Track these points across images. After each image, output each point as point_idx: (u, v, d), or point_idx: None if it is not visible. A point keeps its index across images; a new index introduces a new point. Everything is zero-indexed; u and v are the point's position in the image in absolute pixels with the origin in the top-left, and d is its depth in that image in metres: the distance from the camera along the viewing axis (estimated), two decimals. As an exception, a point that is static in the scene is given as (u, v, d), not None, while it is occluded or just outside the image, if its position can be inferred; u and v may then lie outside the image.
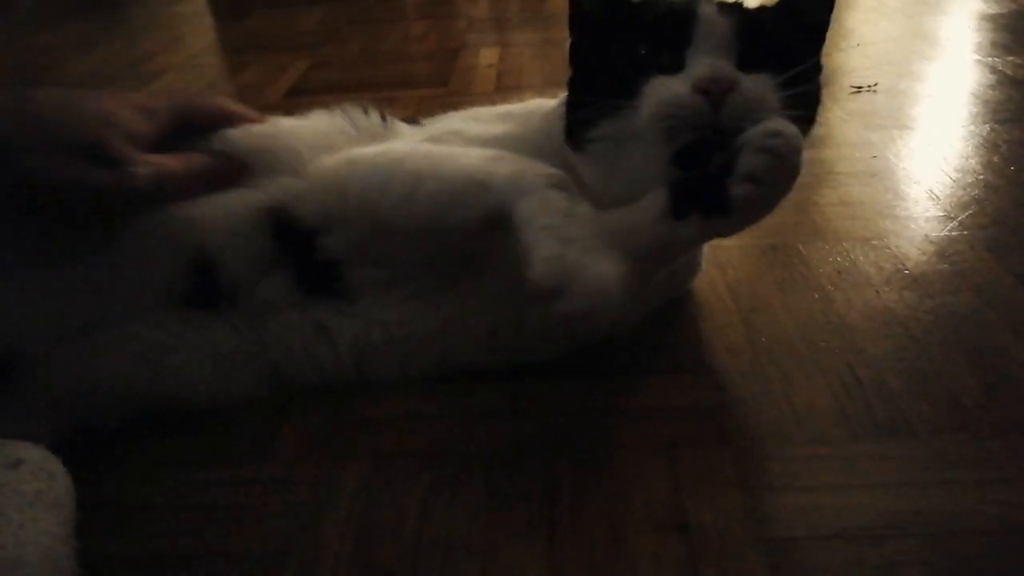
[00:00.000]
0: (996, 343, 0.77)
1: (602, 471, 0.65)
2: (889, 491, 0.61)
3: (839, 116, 1.32)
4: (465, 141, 0.76)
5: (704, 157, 0.65)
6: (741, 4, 0.71)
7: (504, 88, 1.55)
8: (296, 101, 1.58)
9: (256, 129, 0.78)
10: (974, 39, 1.68)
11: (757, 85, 0.64)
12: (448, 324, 0.74)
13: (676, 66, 0.65)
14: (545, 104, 0.79)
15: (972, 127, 1.25)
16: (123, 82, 1.86)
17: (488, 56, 1.78)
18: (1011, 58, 1.52)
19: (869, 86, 1.44)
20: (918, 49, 1.67)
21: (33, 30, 2.53)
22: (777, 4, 0.71)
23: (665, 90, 0.64)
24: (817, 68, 0.72)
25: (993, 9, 1.85)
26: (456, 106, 0.86)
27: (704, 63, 0.64)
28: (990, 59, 1.53)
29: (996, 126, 1.24)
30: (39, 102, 0.66)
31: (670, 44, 0.66)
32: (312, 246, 0.73)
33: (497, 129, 0.78)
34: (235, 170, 0.75)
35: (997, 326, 0.79)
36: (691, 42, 0.65)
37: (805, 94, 0.68)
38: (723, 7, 0.68)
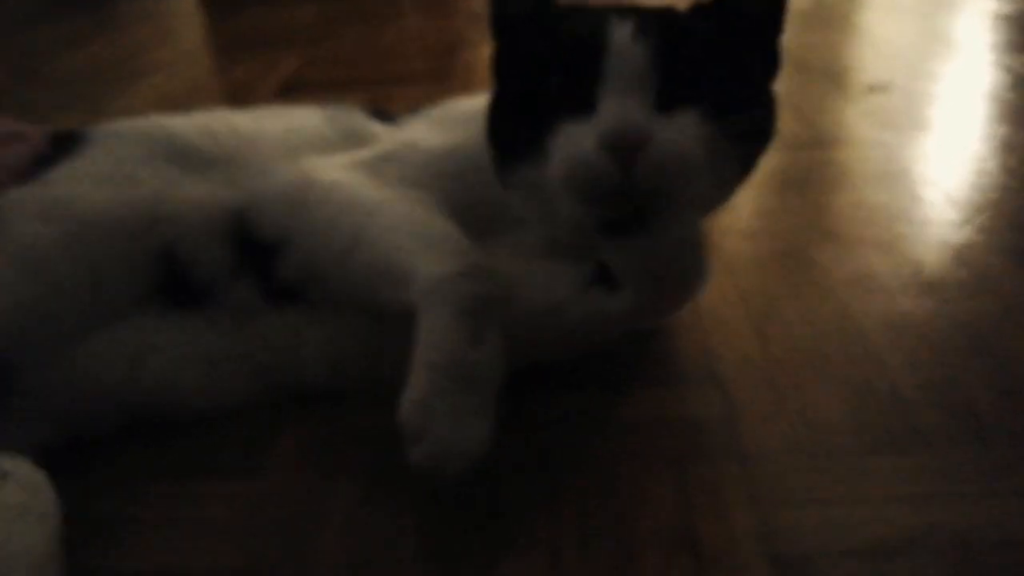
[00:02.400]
0: (1016, 351, 0.76)
1: (607, 486, 0.64)
2: (904, 505, 0.60)
3: (853, 116, 1.33)
4: (419, 159, 0.74)
5: (632, 225, 0.61)
6: (667, 16, 0.65)
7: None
8: (289, 98, 1.59)
9: (236, 123, 0.79)
10: (989, 39, 1.69)
11: (678, 134, 0.59)
12: None
13: (586, 107, 0.59)
14: None
15: (988, 128, 1.25)
16: (114, 79, 1.87)
17: (486, 52, 1.75)
18: (1027, 58, 1.51)
19: (883, 86, 1.43)
20: (933, 49, 1.67)
21: (23, 26, 2.56)
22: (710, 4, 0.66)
23: (571, 146, 0.59)
24: (768, 74, 0.68)
25: (1008, 9, 1.85)
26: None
27: (611, 110, 0.58)
28: (1006, 59, 1.52)
29: (1013, 127, 1.23)
30: None
31: (578, 79, 0.60)
32: (271, 263, 0.73)
33: (450, 139, 0.75)
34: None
35: (1017, 333, 0.78)
36: (601, 77, 0.59)
37: (751, 120, 0.63)
38: (641, 27, 0.61)
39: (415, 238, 0.65)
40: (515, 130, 0.65)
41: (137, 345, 0.71)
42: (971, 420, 0.67)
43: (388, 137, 0.79)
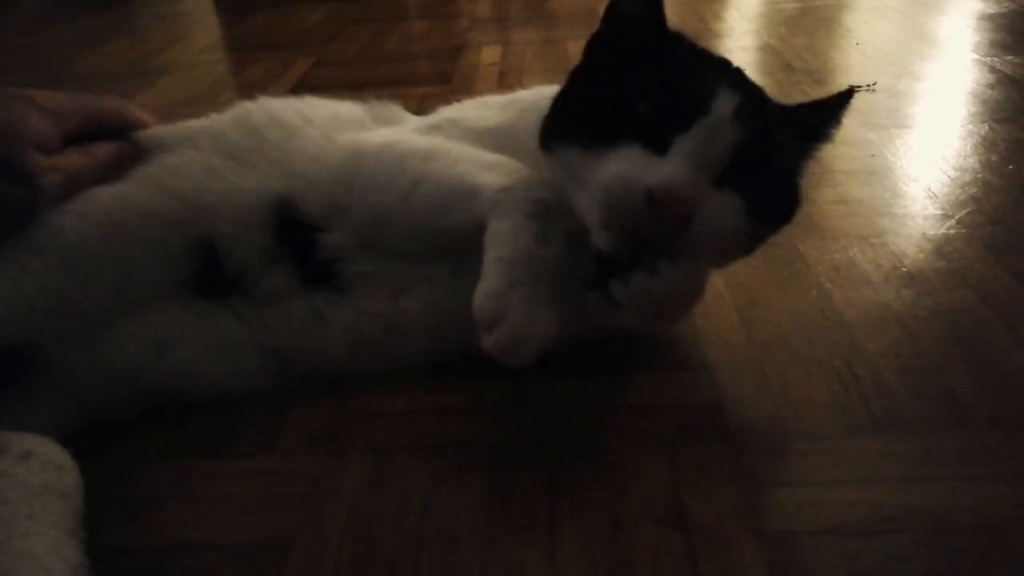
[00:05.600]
0: (993, 340, 0.77)
1: (602, 465, 0.66)
2: (886, 487, 0.62)
3: (838, 115, 1.32)
4: (462, 131, 0.77)
5: (623, 265, 0.64)
6: (761, 105, 0.67)
7: (506, 86, 1.55)
8: (300, 98, 1.60)
9: (278, 110, 0.81)
10: (973, 39, 1.68)
11: (719, 212, 0.61)
12: (435, 317, 0.75)
13: (659, 144, 0.60)
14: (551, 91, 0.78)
15: (970, 126, 1.25)
16: (133, 78, 1.87)
17: (490, 55, 1.78)
18: (1010, 57, 1.52)
19: (868, 85, 1.44)
20: (917, 49, 1.67)
21: (39, 27, 2.53)
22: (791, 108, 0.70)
23: (626, 170, 0.60)
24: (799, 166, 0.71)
25: (992, 9, 1.85)
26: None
27: (677, 169, 0.59)
28: (989, 59, 1.53)
29: (994, 125, 1.24)
30: None
31: (669, 119, 0.61)
32: (312, 242, 0.74)
33: (494, 119, 0.78)
34: (136, 152, 0.77)
35: (994, 323, 0.79)
36: (688, 131, 0.60)
37: (782, 211, 0.69)
38: (742, 108, 0.61)
39: (475, 164, 0.69)
40: (586, 112, 0.66)
41: (162, 333, 0.72)
42: (950, 406, 0.69)
43: (424, 120, 0.82)
